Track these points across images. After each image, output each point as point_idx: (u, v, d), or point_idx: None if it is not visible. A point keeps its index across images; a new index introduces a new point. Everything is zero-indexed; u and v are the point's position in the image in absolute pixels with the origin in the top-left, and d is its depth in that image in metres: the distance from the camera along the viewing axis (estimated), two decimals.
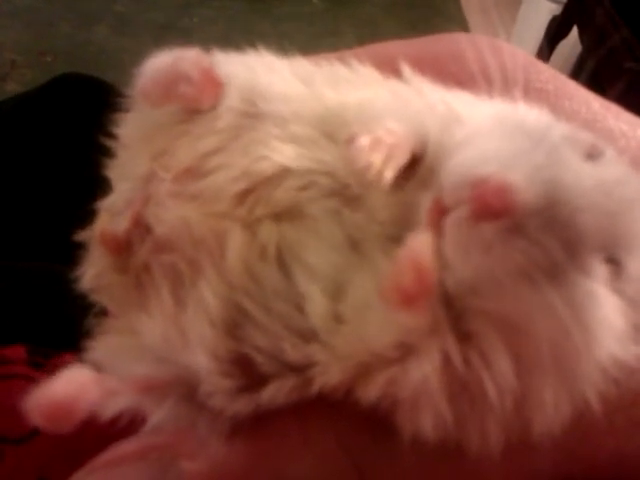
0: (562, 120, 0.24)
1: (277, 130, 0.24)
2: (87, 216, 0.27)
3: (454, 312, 0.20)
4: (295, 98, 0.25)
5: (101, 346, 0.25)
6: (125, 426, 0.24)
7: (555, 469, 0.23)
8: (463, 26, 2.25)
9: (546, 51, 1.71)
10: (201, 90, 0.25)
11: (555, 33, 1.71)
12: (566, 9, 1.64)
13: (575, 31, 1.60)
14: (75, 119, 0.64)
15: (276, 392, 0.22)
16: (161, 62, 0.25)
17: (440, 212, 0.20)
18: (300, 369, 0.22)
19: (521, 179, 0.19)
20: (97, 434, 0.34)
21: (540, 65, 0.32)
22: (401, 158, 0.21)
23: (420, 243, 0.19)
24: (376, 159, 0.20)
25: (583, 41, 1.54)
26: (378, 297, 0.20)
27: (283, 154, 0.23)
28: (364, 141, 0.21)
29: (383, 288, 0.19)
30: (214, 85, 0.25)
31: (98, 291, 0.26)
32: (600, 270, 0.20)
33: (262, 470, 0.22)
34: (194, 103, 0.25)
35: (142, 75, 0.25)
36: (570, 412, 0.21)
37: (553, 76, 0.31)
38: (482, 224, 0.19)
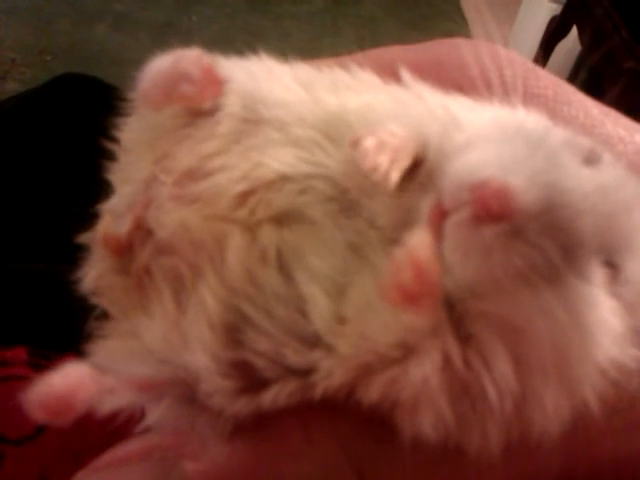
0: (561, 125, 0.24)
1: (278, 135, 0.24)
2: (88, 218, 0.27)
3: (454, 315, 0.20)
4: (296, 104, 0.25)
5: (102, 349, 0.25)
6: (127, 427, 0.24)
7: (555, 472, 0.23)
8: (462, 26, 2.25)
9: (545, 51, 1.71)
10: (202, 89, 0.25)
11: (554, 33, 1.71)
12: (566, 9, 1.64)
13: (574, 31, 1.60)
14: (75, 119, 0.64)
15: (277, 395, 0.22)
16: (161, 63, 0.25)
17: (440, 215, 0.20)
18: (302, 374, 0.22)
19: (521, 183, 0.19)
20: (99, 435, 0.34)
21: (539, 71, 0.32)
22: (405, 160, 0.22)
23: (419, 241, 0.19)
24: (383, 161, 0.21)
25: (583, 41, 1.54)
26: (379, 296, 0.20)
27: (280, 160, 0.23)
28: (370, 143, 0.21)
29: (383, 286, 0.20)
30: (215, 83, 0.25)
31: (99, 293, 0.26)
32: (598, 273, 0.20)
33: (264, 471, 0.23)
34: (196, 102, 0.25)
35: (143, 78, 0.25)
36: (570, 414, 0.21)
37: (552, 82, 0.31)
38: (482, 227, 0.19)
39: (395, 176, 0.21)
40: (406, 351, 0.20)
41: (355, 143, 0.21)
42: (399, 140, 0.22)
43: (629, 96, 1.23)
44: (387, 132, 0.22)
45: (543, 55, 1.70)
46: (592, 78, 1.40)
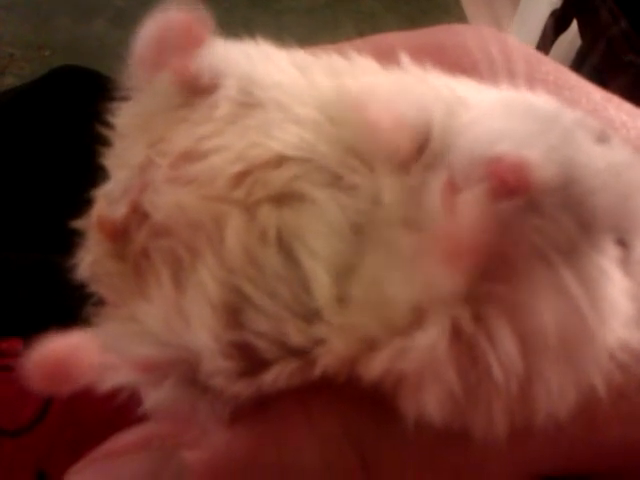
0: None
1: (275, 114, 0.24)
2: (83, 206, 0.26)
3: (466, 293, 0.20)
4: (293, 86, 0.25)
5: (101, 332, 0.25)
6: (126, 417, 0.24)
7: (560, 457, 0.23)
8: (462, 20, 2.25)
9: (545, 45, 1.70)
10: (185, 43, 0.25)
11: (554, 27, 1.70)
12: (566, 3, 1.64)
13: (575, 25, 1.59)
14: (72, 111, 0.64)
15: (278, 376, 0.21)
16: (147, 29, 0.25)
17: (452, 192, 0.20)
18: (303, 352, 0.21)
19: (537, 158, 0.19)
20: (96, 426, 0.33)
21: (541, 57, 0.32)
22: (410, 134, 0.21)
23: (466, 203, 0.19)
24: (387, 133, 0.21)
25: (583, 35, 1.54)
26: (416, 250, 0.19)
27: (278, 139, 0.23)
28: (373, 117, 0.21)
29: (427, 240, 0.19)
30: (196, 36, 0.25)
31: (96, 280, 0.26)
32: (612, 250, 0.20)
33: (265, 456, 0.22)
34: (185, 60, 0.25)
35: (134, 48, 0.25)
36: (576, 397, 0.20)
37: (554, 68, 0.31)
38: (497, 203, 0.19)
39: (406, 149, 0.21)
40: (414, 320, 0.20)
41: (356, 117, 0.21)
42: (402, 115, 0.21)
43: (630, 90, 1.22)
44: (389, 108, 0.21)
45: (543, 49, 1.70)
46: (594, 72, 1.40)
